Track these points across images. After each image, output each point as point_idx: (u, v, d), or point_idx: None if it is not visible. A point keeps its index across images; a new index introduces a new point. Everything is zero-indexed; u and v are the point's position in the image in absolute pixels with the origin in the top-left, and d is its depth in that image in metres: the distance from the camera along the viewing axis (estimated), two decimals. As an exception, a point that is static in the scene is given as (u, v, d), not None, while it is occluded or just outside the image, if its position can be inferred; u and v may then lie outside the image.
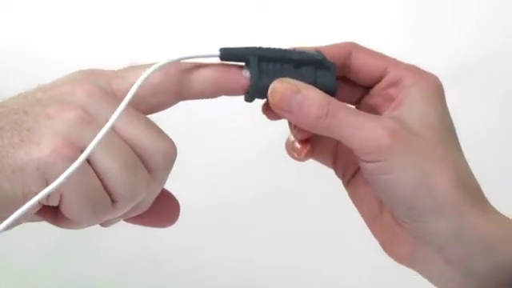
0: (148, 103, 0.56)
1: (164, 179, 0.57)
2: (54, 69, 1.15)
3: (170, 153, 0.55)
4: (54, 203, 0.53)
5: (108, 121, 0.53)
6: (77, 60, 1.18)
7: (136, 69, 0.56)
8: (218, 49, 0.57)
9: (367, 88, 0.60)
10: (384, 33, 1.19)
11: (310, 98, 0.55)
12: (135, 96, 0.55)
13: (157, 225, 0.60)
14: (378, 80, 0.59)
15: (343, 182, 0.62)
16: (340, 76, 0.59)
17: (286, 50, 0.58)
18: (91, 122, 0.53)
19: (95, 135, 0.52)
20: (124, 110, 0.54)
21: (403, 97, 0.57)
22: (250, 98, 0.58)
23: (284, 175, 1.13)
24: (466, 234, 0.55)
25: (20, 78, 1.12)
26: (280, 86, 0.56)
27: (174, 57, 0.56)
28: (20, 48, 1.19)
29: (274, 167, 1.07)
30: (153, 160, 0.54)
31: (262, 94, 0.57)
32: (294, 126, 0.59)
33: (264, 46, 0.58)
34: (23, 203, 0.51)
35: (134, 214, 0.57)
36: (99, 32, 1.21)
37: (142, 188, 0.54)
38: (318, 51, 0.58)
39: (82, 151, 0.52)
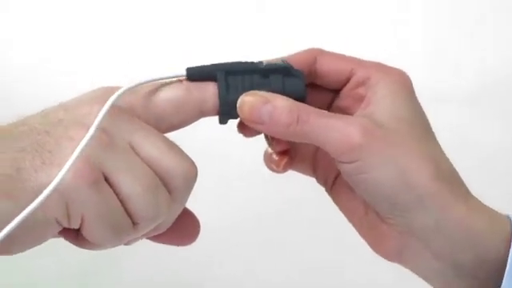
0: (169, 121, 0.56)
1: (185, 200, 0.56)
2: (53, 79, 1.15)
3: (191, 174, 0.55)
4: (75, 226, 0.53)
5: (126, 141, 0.53)
6: (76, 72, 1.19)
7: (157, 86, 0.56)
8: (185, 69, 0.57)
9: (337, 91, 0.60)
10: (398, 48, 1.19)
11: (278, 106, 0.55)
12: (156, 115, 0.55)
13: (177, 243, 0.60)
14: (346, 82, 0.59)
15: (326, 189, 0.62)
16: (308, 83, 0.59)
17: (252, 63, 0.57)
18: (110, 143, 0.53)
19: (115, 157, 0.52)
20: (142, 131, 0.54)
21: (372, 95, 0.57)
22: (222, 118, 0.57)
23: (292, 193, 1.12)
24: (450, 226, 0.55)
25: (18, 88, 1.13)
26: (248, 99, 0.55)
27: (140, 80, 0.56)
28: (20, 61, 1.19)
29: (282, 185, 1.07)
30: (174, 182, 0.54)
31: (233, 111, 0.56)
32: (271, 138, 0.59)
33: (232, 60, 0.57)
34: (45, 227, 0.52)
35: (155, 233, 0.57)
36: (100, 41, 1.22)
37: (164, 210, 0.54)
38: (284, 60, 0.58)
39: (103, 173, 0.52)
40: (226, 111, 0.56)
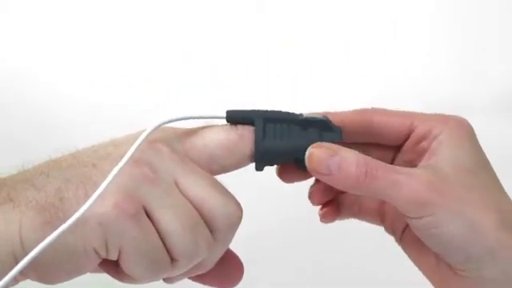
0: (221, 163, 0.57)
1: (228, 241, 0.56)
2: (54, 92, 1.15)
3: (235, 215, 0.55)
4: (114, 257, 0.53)
5: (172, 179, 0.54)
6: (74, 73, 1.19)
7: (210, 128, 0.57)
8: (225, 111, 0.57)
9: (398, 147, 0.61)
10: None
11: (347, 158, 0.55)
12: (203, 159, 0.56)
13: (219, 285, 0.60)
14: (407, 137, 0.60)
15: (395, 239, 0.62)
16: (368, 143, 0.60)
17: (292, 113, 0.58)
18: (155, 180, 0.53)
19: (157, 192, 0.53)
20: (189, 170, 0.55)
21: (435, 146, 0.58)
22: (258, 165, 0.58)
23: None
24: None
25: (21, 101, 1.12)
26: (316, 150, 0.56)
27: (178, 116, 0.56)
28: (22, 73, 1.19)
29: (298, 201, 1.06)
30: (217, 222, 0.55)
31: (268, 157, 0.57)
32: (310, 193, 0.60)
33: (272, 108, 0.58)
34: (84, 257, 0.52)
35: (197, 273, 0.57)
36: (98, 42, 1.22)
37: (203, 249, 0.54)
38: (325, 116, 0.58)
39: (144, 208, 0.53)
40: (260, 158, 0.57)
